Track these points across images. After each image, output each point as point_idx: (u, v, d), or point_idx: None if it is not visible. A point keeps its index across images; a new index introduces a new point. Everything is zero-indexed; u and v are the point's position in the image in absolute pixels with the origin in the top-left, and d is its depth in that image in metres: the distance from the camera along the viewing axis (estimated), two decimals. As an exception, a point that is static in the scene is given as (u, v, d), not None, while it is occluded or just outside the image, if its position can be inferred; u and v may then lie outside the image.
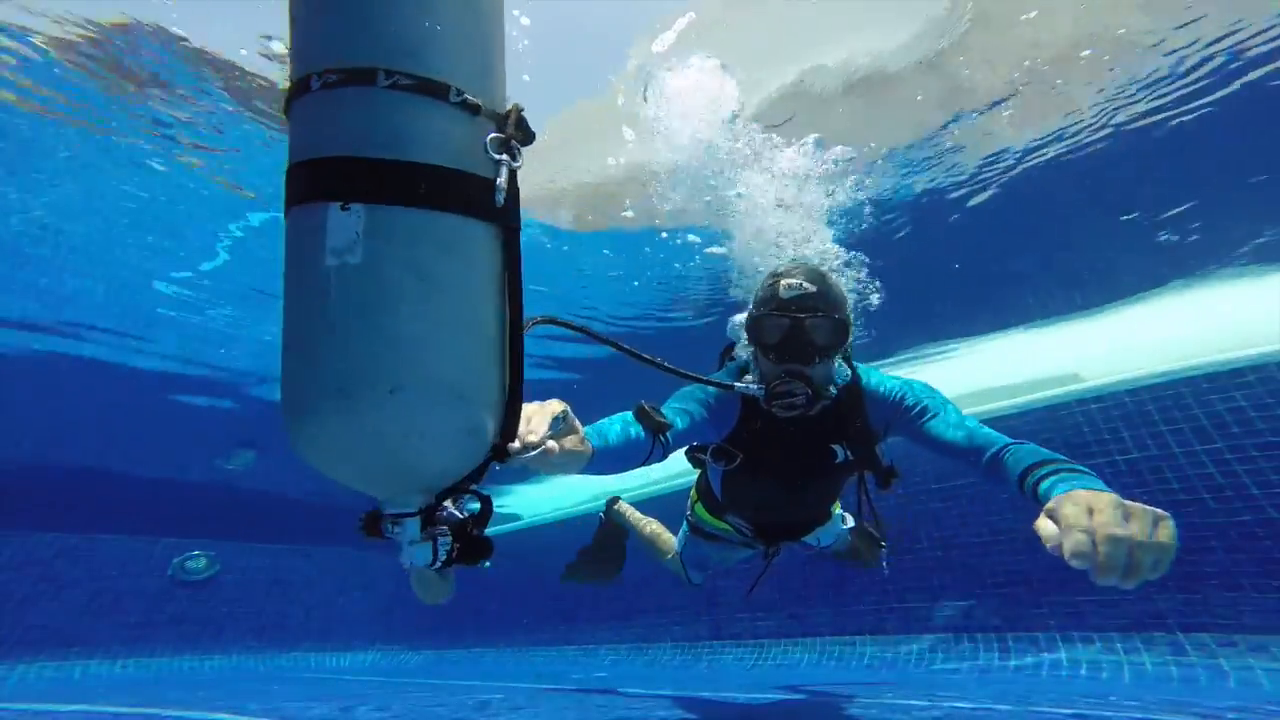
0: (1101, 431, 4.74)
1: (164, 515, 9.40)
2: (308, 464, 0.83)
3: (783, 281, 1.70)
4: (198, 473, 10.00)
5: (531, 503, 13.49)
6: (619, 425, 1.47)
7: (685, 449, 1.99)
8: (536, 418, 1.04)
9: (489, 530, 0.96)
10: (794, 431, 1.84)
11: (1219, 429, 4.23)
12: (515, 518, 12.06)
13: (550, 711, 2.96)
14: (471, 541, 0.95)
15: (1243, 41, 4.20)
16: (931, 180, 5.55)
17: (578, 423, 1.15)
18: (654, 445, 1.52)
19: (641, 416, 1.50)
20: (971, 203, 5.80)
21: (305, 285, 0.78)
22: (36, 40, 3.90)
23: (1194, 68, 4.42)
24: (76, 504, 9.10)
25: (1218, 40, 4.20)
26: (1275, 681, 3.38)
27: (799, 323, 1.66)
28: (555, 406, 1.09)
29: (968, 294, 7.44)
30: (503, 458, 0.93)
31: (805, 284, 1.67)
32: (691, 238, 5.94)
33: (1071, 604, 4.35)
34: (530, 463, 1.06)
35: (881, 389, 1.87)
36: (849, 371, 1.91)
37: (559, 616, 8.92)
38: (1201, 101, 4.69)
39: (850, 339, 1.76)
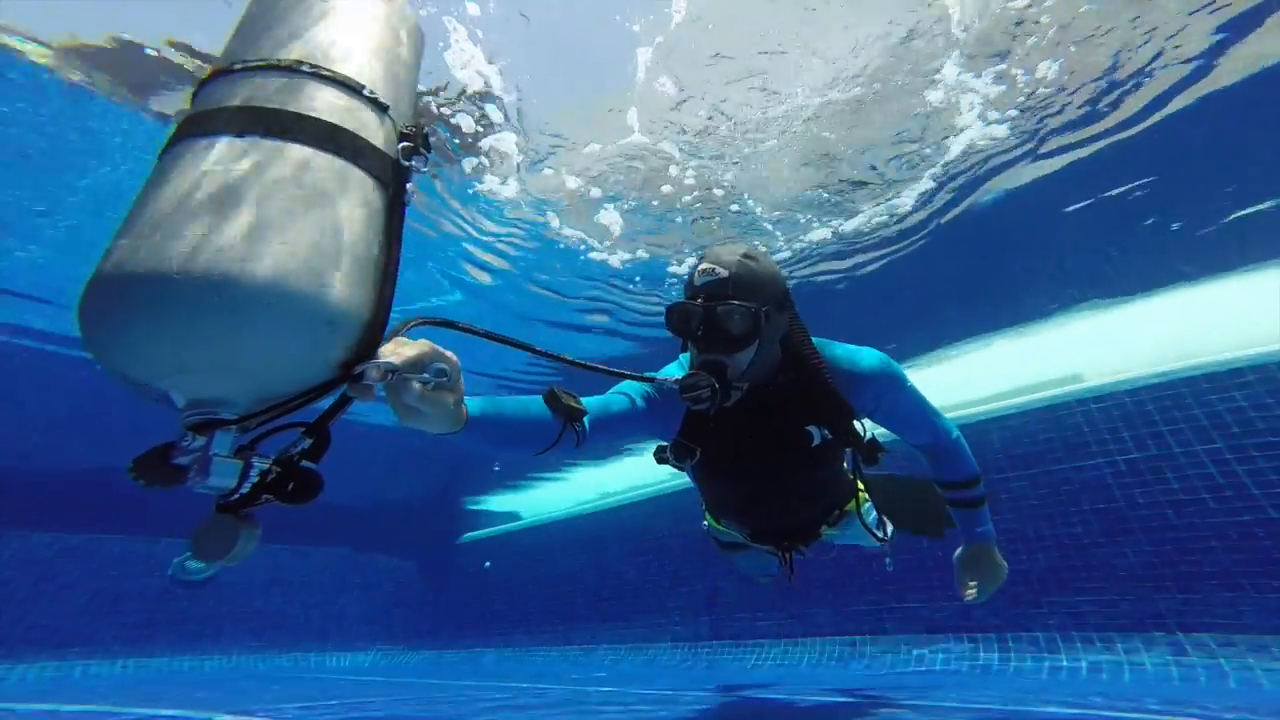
0: (1101, 431, 4.73)
1: (164, 515, 9.38)
2: (119, 325, 0.71)
3: (700, 266, 1.58)
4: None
5: (532, 503, 13.50)
6: (525, 402, 1.37)
7: (654, 452, 1.85)
8: (409, 347, 0.90)
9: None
10: (751, 418, 1.69)
11: (1219, 429, 4.24)
12: (515, 517, 12.06)
13: (550, 711, 2.96)
14: (296, 472, 0.79)
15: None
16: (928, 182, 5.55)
17: (461, 382, 1.02)
18: (564, 431, 1.41)
19: (550, 401, 1.39)
20: (970, 202, 5.80)
21: (176, 179, 0.77)
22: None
23: (1198, 64, 4.42)
24: (76, 504, 9.09)
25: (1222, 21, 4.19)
26: (1275, 681, 3.38)
27: (709, 310, 1.53)
28: (432, 348, 0.94)
29: (967, 294, 7.44)
30: (349, 374, 0.81)
31: (718, 269, 1.54)
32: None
33: (1071, 604, 4.35)
34: (390, 398, 0.91)
35: (858, 368, 1.75)
36: (801, 349, 1.75)
37: (559, 616, 8.92)
38: (1205, 98, 4.68)
39: (775, 325, 1.61)
